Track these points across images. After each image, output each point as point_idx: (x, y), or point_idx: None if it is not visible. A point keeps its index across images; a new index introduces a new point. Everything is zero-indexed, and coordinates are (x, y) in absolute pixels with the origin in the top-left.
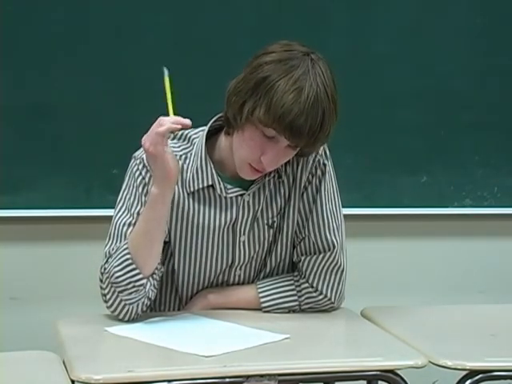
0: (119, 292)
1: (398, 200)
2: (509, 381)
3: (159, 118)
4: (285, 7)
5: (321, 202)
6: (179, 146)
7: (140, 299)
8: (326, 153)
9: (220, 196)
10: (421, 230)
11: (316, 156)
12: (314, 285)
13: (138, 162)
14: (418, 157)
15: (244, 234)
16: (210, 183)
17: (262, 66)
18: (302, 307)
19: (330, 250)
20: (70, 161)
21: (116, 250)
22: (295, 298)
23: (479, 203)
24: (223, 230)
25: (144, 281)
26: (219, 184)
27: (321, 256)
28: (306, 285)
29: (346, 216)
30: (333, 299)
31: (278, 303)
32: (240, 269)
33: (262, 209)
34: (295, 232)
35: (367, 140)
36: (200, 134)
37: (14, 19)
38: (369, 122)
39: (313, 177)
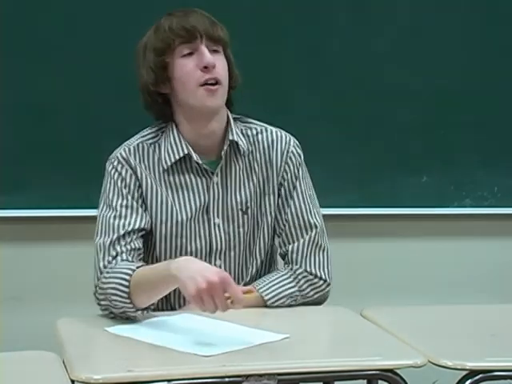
0: (112, 307)
1: (398, 200)
2: (509, 381)
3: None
4: (285, 7)
5: (300, 188)
6: (147, 134)
7: (131, 315)
8: (297, 145)
9: (196, 168)
10: (421, 230)
11: (289, 147)
12: (308, 269)
13: (112, 161)
14: (418, 157)
15: (218, 216)
16: (186, 152)
17: (139, 44)
18: (302, 293)
19: (311, 230)
20: (69, 161)
21: (118, 272)
22: (293, 284)
23: (479, 203)
24: (198, 213)
25: (139, 312)
26: (194, 153)
27: (307, 238)
28: (301, 270)
29: (345, 216)
30: (327, 279)
31: (278, 293)
32: (220, 258)
33: (232, 192)
34: (277, 222)
35: (367, 140)
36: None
37: (14, 19)
38: (369, 122)
39: (290, 165)
